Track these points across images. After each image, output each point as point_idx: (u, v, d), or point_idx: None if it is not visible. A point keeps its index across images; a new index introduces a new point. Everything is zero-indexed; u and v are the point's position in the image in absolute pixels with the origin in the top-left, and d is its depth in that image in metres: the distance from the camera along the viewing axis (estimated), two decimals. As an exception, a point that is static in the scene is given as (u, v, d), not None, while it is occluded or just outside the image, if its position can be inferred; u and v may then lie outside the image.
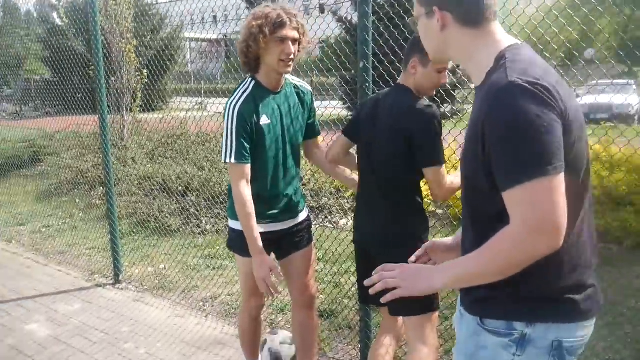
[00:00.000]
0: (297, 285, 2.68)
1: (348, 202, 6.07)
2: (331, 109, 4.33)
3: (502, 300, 1.30)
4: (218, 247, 5.18)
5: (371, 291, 1.41)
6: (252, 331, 2.80)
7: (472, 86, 1.49)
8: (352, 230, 2.53)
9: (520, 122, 1.15)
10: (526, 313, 1.28)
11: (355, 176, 2.58)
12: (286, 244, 2.61)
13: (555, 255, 1.19)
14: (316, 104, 2.68)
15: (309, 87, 2.61)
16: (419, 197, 2.36)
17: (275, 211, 2.53)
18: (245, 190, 2.32)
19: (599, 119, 11.12)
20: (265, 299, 2.78)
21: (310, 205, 5.92)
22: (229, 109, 2.35)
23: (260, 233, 2.40)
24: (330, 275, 4.31)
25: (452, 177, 2.26)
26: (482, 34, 1.35)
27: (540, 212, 1.14)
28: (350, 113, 13.79)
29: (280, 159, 2.48)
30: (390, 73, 3.19)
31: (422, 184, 2.34)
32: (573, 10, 2.99)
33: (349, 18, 15.55)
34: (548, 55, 2.00)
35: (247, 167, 2.34)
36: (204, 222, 5.71)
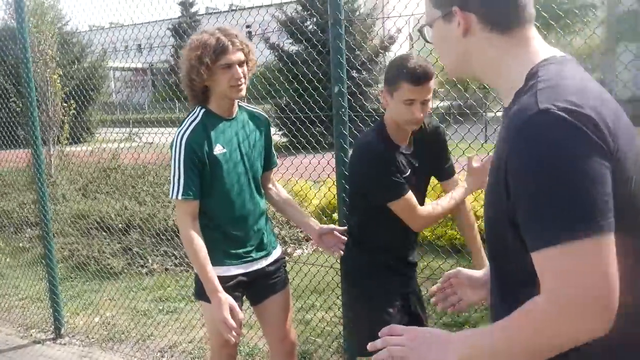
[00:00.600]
0: (276, 333, 2.45)
1: (302, 232, 5.87)
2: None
3: None
4: (169, 288, 4.80)
5: (373, 358, 1.12)
6: None
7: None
8: None
9: (556, 166, 0.88)
10: None
11: (307, 219, 2.42)
12: (261, 286, 2.37)
13: (608, 340, 0.89)
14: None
15: (264, 114, 2.43)
16: (387, 232, 2.15)
17: (247, 249, 2.30)
18: (192, 229, 2.13)
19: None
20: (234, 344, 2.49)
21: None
22: (176, 140, 2.15)
23: (232, 276, 2.23)
24: (294, 310, 4.07)
25: (431, 205, 2.11)
26: (514, 41, 1.07)
27: (580, 285, 0.86)
28: (285, 140, 13.72)
29: (244, 191, 2.27)
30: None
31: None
32: None
33: (280, 45, 15.56)
34: (467, 80, 1.91)
35: (194, 204, 2.15)
36: (150, 261, 5.31)
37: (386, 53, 15.15)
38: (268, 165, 2.44)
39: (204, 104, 2.23)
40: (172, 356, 3.60)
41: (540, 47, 1.07)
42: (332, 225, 2.35)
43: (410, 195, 2.04)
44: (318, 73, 4.31)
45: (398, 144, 2.11)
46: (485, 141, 4.34)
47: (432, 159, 2.21)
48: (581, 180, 0.86)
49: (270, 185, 2.48)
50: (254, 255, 2.32)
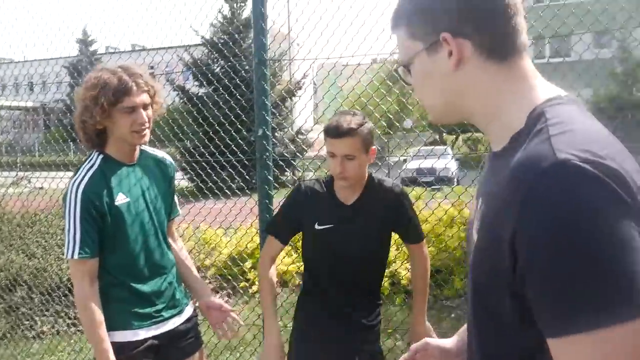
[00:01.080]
0: None
1: (211, 283, 5.54)
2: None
3: None
4: (61, 353, 4.26)
5: None
6: None
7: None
8: None
9: (587, 233, 0.71)
10: None
11: (200, 285, 2.29)
12: (174, 349, 2.13)
13: None
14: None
15: (170, 158, 2.24)
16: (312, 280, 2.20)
17: (158, 307, 2.07)
18: (88, 292, 1.89)
19: (424, 182, 12.34)
20: None
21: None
22: (71, 191, 1.92)
23: (142, 340, 1.99)
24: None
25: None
26: (512, 73, 0.91)
27: None
28: (191, 184, 13.29)
29: (151, 243, 2.05)
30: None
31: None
32: (392, 81, 3.18)
33: (186, 87, 15.29)
34: (373, 123, 1.98)
35: (92, 263, 1.92)
36: (39, 323, 4.72)
37: (292, 98, 15.39)
38: (170, 214, 2.24)
39: (100, 148, 2.00)
40: None
41: (540, 83, 0.92)
42: (220, 302, 2.21)
43: (273, 240, 2.16)
44: (230, 116, 4.31)
45: (337, 195, 2.08)
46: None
47: (379, 218, 2.10)
48: (618, 249, 0.71)
49: (169, 240, 2.25)
50: (164, 314, 2.09)
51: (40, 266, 5.23)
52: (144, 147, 2.13)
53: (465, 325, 1.14)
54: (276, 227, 2.18)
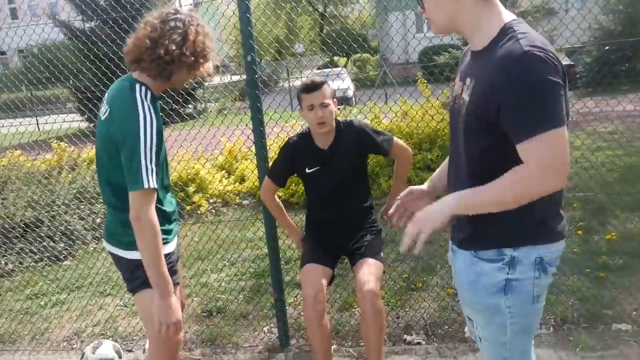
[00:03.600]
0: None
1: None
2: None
3: (490, 233, 1.57)
4: (39, 284, 4.51)
5: (402, 248, 1.60)
6: None
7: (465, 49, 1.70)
8: None
9: (539, 85, 1.37)
10: (511, 240, 1.56)
11: None
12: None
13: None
14: (45, 118, 2.36)
15: None
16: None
17: (174, 225, 2.30)
18: (155, 217, 2.00)
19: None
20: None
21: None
22: (145, 127, 1.98)
23: (171, 253, 2.21)
24: (188, 277, 4.25)
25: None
26: (490, 5, 1.53)
27: (558, 156, 1.39)
28: (91, 124, 12.80)
29: (166, 165, 2.30)
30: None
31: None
32: (278, 9, 3.29)
33: (71, 23, 14.26)
34: (262, 52, 2.38)
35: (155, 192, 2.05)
36: (2, 262, 4.86)
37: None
38: None
39: (160, 80, 2.12)
40: (81, 342, 3.54)
41: (503, 11, 1.55)
42: None
43: (269, 181, 2.79)
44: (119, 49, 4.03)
45: (317, 144, 2.69)
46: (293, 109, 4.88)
47: (351, 152, 2.67)
48: (553, 96, 1.39)
49: None
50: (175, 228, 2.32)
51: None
52: None
53: (435, 174, 1.90)
54: (274, 173, 2.79)
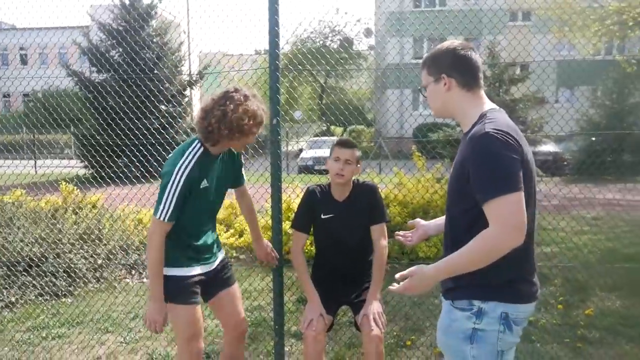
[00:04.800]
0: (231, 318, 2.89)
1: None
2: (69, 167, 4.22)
3: (465, 287, 1.85)
4: (40, 317, 4.63)
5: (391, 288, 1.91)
6: None
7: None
8: None
9: (495, 159, 1.71)
10: (481, 294, 1.82)
11: (257, 229, 3.12)
12: (218, 281, 2.82)
13: (510, 253, 1.69)
14: (43, 161, 2.78)
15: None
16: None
17: (206, 255, 2.76)
18: (162, 244, 2.51)
19: (323, 170, 13.29)
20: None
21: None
22: (179, 169, 2.47)
23: (195, 275, 2.68)
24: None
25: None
26: (474, 96, 1.91)
27: (514, 214, 1.66)
28: (89, 171, 13.01)
29: (207, 216, 2.75)
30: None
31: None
32: (282, 76, 3.55)
33: (83, 72, 14.83)
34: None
35: (170, 226, 2.52)
36: (5, 294, 4.99)
37: (193, 88, 15.62)
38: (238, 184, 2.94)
39: (207, 142, 2.56)
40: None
41: (485, 101, 1.94)
42: (268, 244, 3.15)
43: (298, 233, 3.06)
44: (128, 103, 4.12)
45: (333, 195, 3.02)
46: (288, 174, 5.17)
47: (362, 209, 2.99)
48: (508, 165, 1.70)
49: (240, 197, 3.04)
50: (208, 257, 2.78)
51: (1, 243, 5.41)
52: None
53: (439, 219, 2.31)
54: (299, 223, 3.07)
